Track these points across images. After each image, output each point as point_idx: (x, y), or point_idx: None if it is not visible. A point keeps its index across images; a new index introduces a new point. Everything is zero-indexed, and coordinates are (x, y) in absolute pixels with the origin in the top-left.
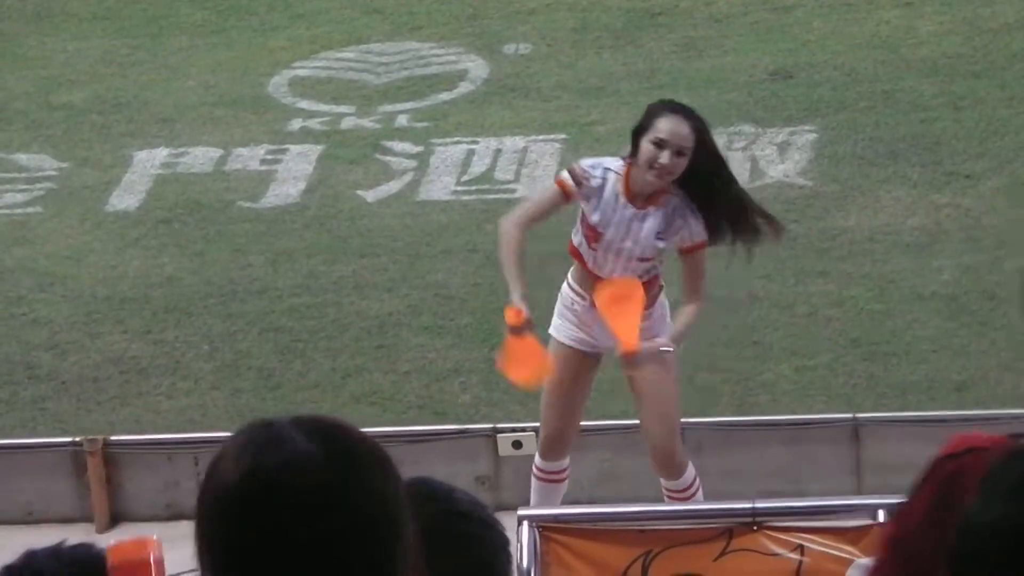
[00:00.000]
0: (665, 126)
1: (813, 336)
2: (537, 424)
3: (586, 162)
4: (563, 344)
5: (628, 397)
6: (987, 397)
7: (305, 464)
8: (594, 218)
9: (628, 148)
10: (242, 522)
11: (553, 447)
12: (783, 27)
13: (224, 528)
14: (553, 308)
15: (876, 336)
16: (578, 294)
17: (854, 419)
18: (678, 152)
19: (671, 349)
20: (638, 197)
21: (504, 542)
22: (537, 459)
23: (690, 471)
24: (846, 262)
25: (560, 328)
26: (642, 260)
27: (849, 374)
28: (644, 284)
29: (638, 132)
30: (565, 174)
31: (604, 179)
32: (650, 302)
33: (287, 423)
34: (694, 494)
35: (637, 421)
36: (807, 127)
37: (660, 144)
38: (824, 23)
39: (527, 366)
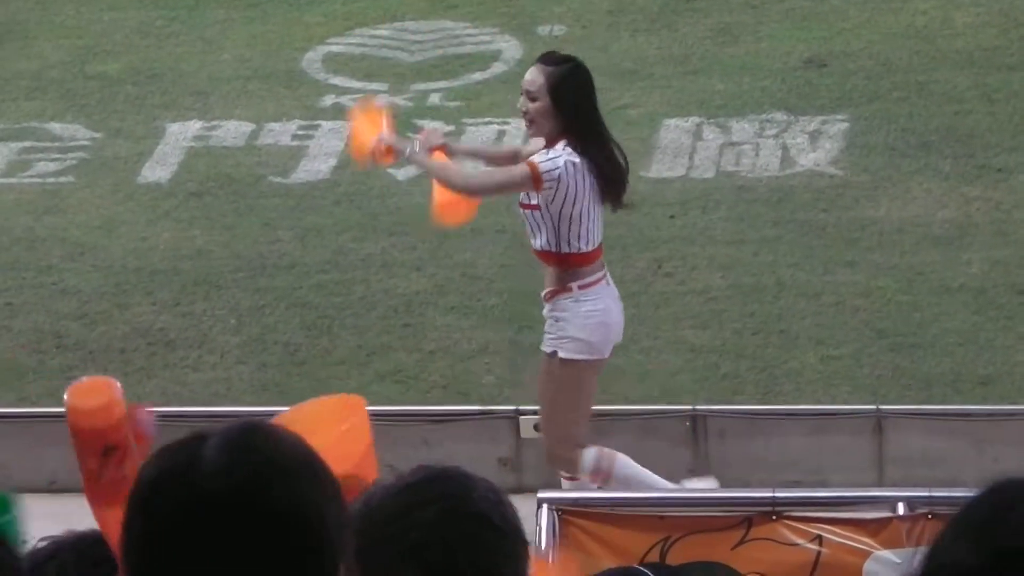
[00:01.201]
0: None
1: (839, 326)
2: None
3: None
4: (602, 360)
5: (640, 381)
6: (1012, 392)
7: (199, 470)
8: None
9: None
10: (140, 520)
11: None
12: (818, 15)
13: (128, 521)
14: None
15: (903, 328)
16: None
17: (878, 411)
18: (529, 96)
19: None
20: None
21: (516, 552)
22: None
23: (585, 462)
24: (875, 253)
25: (595, 346)
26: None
27: (874, 365)
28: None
29: None
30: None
31: None
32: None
33: (217, 432)
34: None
35: (657, 407)
36: (839, 116)
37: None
38: (859, 12)
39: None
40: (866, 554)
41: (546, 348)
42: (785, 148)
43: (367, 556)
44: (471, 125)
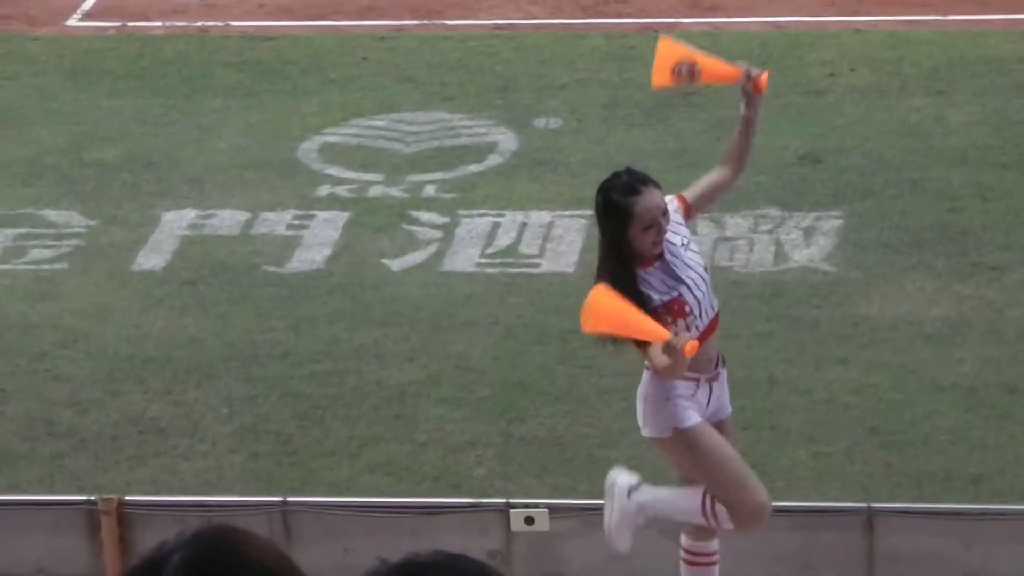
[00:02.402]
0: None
1: (831, 422)
2: (550, 500)
3: None
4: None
5: None
6: (1004, 490)
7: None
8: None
9: None
10: None
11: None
12: (813, 111)
13: None
14: None
15: (894, 425)
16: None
17: (868, 508)
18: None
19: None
20: None
21: None
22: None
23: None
24: (867, 349)
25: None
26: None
27: (866, 462)
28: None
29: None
30: None
31: None
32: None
33: (181, 545)
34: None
35: None
36: (833, 213)
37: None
38: (854, 109)
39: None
40: None
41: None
42: (779, 244)
43: None
44: (466, 217)
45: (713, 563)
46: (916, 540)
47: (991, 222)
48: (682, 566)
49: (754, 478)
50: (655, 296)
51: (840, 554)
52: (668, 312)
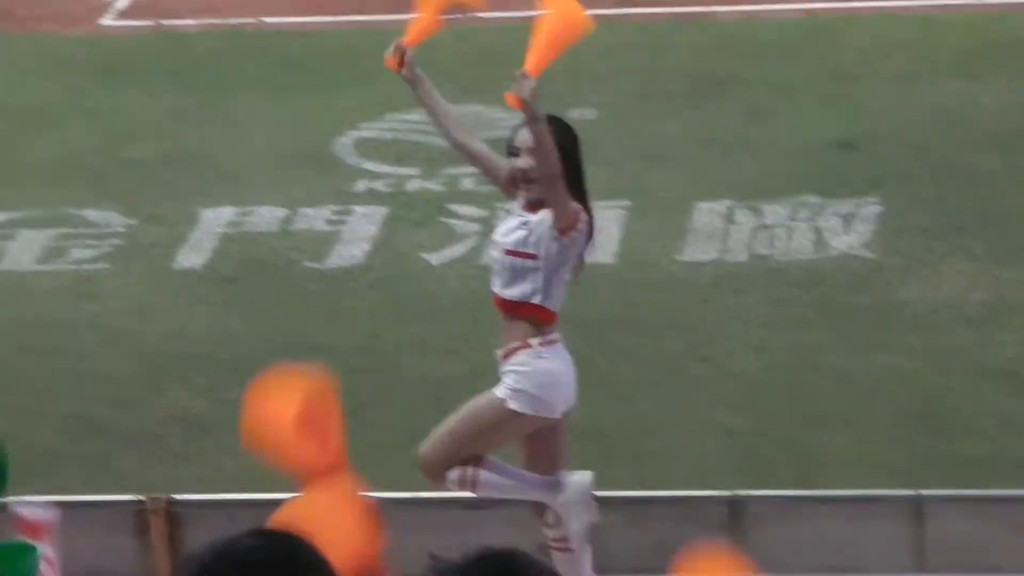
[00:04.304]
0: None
1: (874, 409)
2: (597, 492)
3: None
4: (544, 419)
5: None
6: None
7: (241, 552)
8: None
9: None
10: None
11: None
12: (848, 98)
13: None
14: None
15: (938, 411)
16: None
17: (917, 495)
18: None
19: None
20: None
21: None
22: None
23: (451, 476)
24: (909, 335)
25: (546, 404)
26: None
27: (910, 449)
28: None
29: None
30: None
31: None
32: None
33: (258, 530)
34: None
35: (695, 492)
36: (871, 199)
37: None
38: (889, 94)
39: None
40: None
41: (499, 393)
42: (818, 231)
43: None
44: (503, 209)
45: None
46: (966, 526)
47: None
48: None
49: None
50: None
51: (890, 542)
52: None
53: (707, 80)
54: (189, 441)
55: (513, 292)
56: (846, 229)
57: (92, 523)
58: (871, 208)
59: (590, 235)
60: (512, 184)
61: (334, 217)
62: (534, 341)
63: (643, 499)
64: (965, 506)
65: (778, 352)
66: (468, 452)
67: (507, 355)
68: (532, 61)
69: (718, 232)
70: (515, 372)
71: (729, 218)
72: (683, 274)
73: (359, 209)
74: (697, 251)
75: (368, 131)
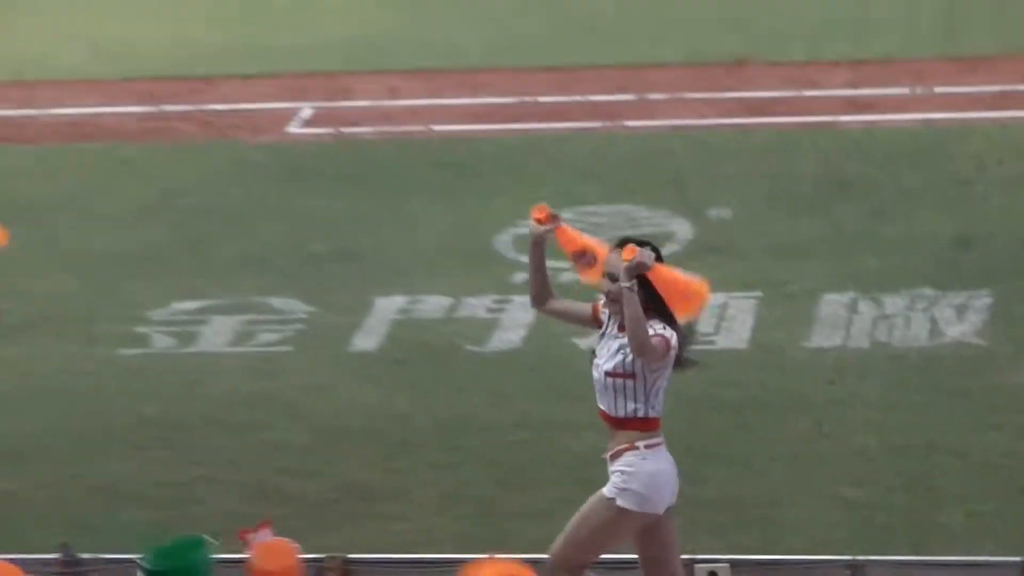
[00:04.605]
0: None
1: (985, 484)
2: (731, 556)
3: None
4: (651, 515)
5: (800, 534)
6: None
7: None
8: None
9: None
10: None
11: None
12: (963, 200)
13: None
14: None
15: None
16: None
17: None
18: (612, 279)
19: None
20: None
21: None
22: None
23: None
24: (1019, 415)
25: (652, 502)
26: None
27: (1019, 521)
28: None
29: None
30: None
31: None
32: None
33: None
34: None
35: (819, 556)
36: (983, 292)
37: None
38: (1001, 197)
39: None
40: None
41: (607, 493)
42: (933, 320)
43: None
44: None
45: None
46: None
47: None
48: None
49: None
50: None
51: None
52: None
53: (832, 182)
54: (360, 507)
55: (619, 411)
56: (959, 319)
57: None
58: (983, 300)
59: (682, 344)
60: (601, 310)
61: (494, 306)
62: (640, 443)
63: (772, 562)
64: None
65: (896, 431)
66: (588, 551)
67: (614, 456)
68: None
69: (842, 321)
70: (622, 472)
71: (852, 308)
72: (809, 359)
73: (516, 299)
74: (822, 338)
75: (525, 228)
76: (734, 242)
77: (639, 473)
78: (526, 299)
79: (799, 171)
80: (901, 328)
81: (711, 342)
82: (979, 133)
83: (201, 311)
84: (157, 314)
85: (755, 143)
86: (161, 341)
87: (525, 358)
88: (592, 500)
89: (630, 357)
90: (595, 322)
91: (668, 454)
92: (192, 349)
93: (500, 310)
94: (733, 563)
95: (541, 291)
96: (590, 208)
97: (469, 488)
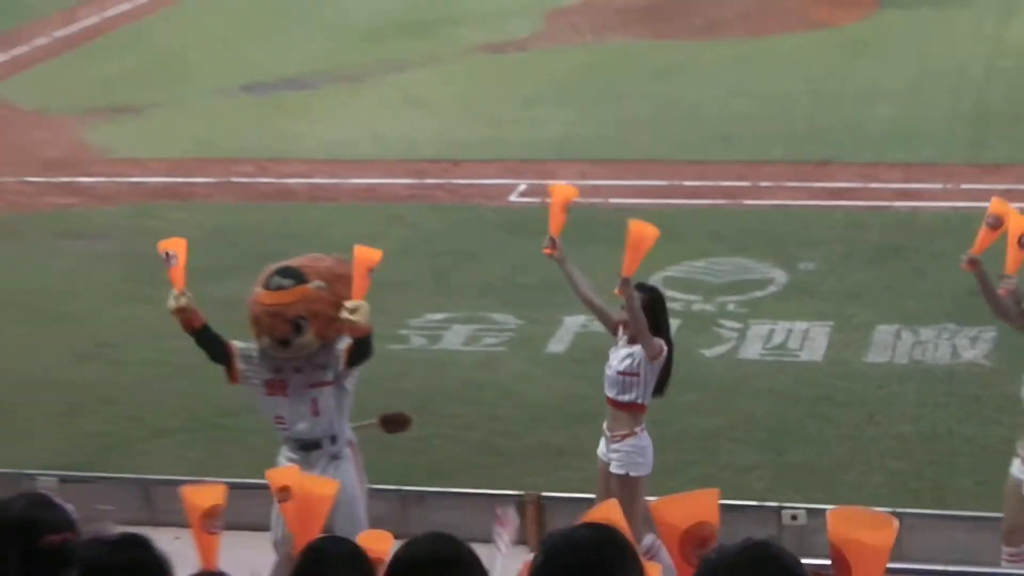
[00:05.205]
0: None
1: (989, 462)
2: (808, 505)
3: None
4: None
5: (856, 492)
6: None
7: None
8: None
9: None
10: None
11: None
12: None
13: None
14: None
15: None
16: None
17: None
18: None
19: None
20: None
21: None
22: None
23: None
24: (1013, 415)
25: (651, 466)
26: (628, 375)
27: None
28: (634, 406)
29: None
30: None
31: None
32: (627, 427)
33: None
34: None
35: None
36: (991, 327)
37: None
38: (1002, 260)
39: None
40: None
41: (620, 471)
42: (954, 347)
43: None
44: (754, 324)
45: None
46: None
47: None
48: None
49: None
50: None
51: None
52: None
53: (887, 248)
54: (551, 461)
55: (624, 398)
56: (973, 346)
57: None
58: (990, 333)
59: (670, 356)
60: (619, 326)
61: None
62: (637, 429)
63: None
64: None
65: (926, 423)
66: (635, 523)
67: (616, 438)
68: (626, 267)
69: (889, 344)
70: (628, 451)
71: (897, 336)
72: (865, 370)
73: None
74: (875, 356)
75: (671, 272)
76: (817, 287)
77: (641, 448)
78: (671, 319)
79: (864, 239)
80: (931, 351)
81: (796, 355)
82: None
83: (445, 321)
84: (414, 322)
85: (834, 219)
86: (416, 341)
87: None
88: (613, 488)
89: (636, 360)
90: (613, 330)
91: (647, 434)
92: (437, 347)
93: None
94: (809, 510)
95: (575, 286)
96: (716, 259)
97: None
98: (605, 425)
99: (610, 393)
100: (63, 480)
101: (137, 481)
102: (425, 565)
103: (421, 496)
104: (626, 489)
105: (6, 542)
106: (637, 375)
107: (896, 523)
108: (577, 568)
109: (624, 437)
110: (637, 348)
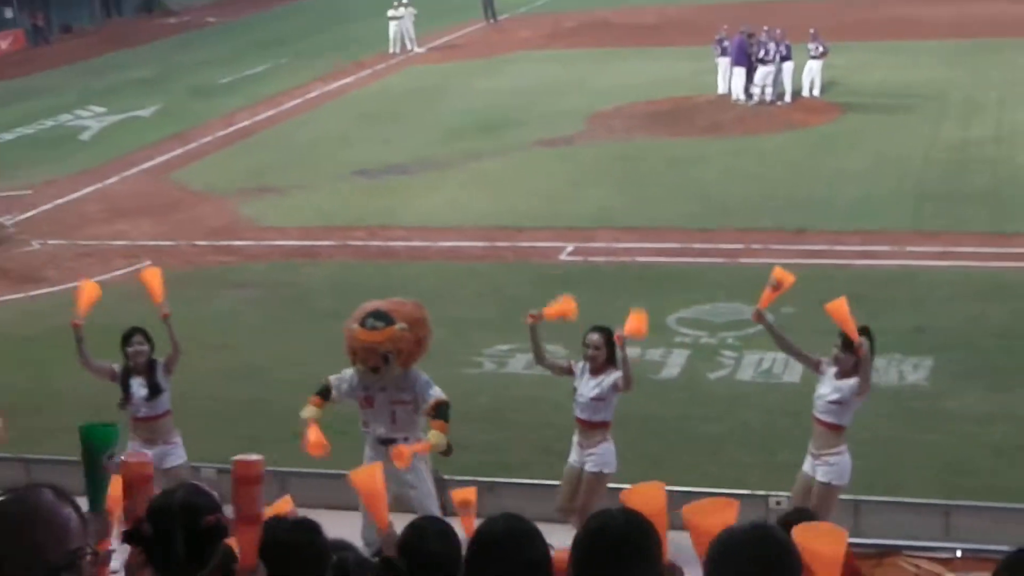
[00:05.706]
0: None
1: (917, 456)
2: (780, 493)
3: None
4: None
5: None
6: None
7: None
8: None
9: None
10: None
11: None
12: (920, 306)
13: None
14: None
15: (957, 461)
16: None
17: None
18: (596, 348)
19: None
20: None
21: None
22: None
23: None
24: (946, 423)
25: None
26: (599, 400)
27: (937, 467)
28: (606, 424)
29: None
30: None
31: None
32: (599, 435)
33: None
34: None
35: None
36: (929, 357)
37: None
38: (949, 313)
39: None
40: None
41: (594, 469)
42: (901, 372)
43: None
44: (748, 354)
45: None
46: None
47: None
48: None
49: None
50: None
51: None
52: None
53: (849, 294)
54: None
55: (595, 419)
56: (915, 371)
57: (547, 497)
58: (929, 362)
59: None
60: (573, 365)
61: (664, 353)
62: (607, 436)
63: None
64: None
65: (880, 429)
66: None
67: (590, 445)
68: (630, 329)
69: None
70: (600, 455)
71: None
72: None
73: (676, 351)
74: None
75: (683, 313)
76: (795, 326)
77: (609, 450)
78: (682, 352)
79: (832, 289)
80: (883, 375)
81: (780, 378)
82: (930, 274)
83: (510, 350)
84: (487, 351)
85: (809, 273)
86: (488, 366)
87: (678, 382)
88: (587, 482)
89: (603, 389)
90: (568, 372)
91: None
92: (505, 371)
93: (668, 355)
94: (789, 498)
95: (538, 351)
96: (719, 304)
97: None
98: (576, 439)
99: (583, 416)
100: (220, 471)
101: (275, 473)
102: (502, 537)
103: (491, 486)
104: (598, 483)
105: (173, 523)
106: (604, 400)
107: (846, 535)
108: (615, 545)
109: (599, 443)
110: (603, 377)
